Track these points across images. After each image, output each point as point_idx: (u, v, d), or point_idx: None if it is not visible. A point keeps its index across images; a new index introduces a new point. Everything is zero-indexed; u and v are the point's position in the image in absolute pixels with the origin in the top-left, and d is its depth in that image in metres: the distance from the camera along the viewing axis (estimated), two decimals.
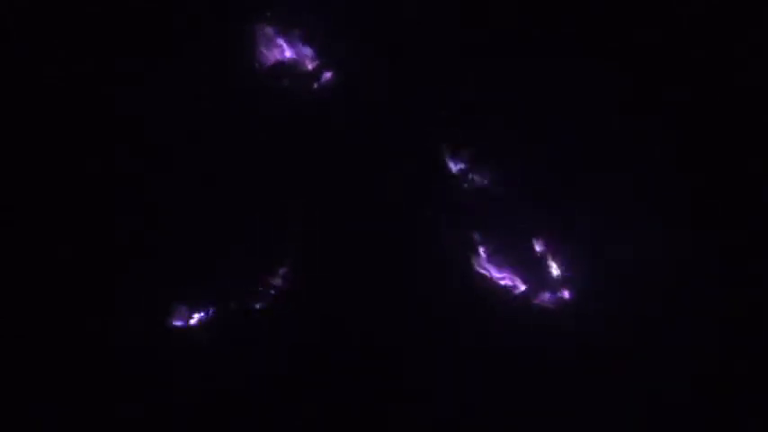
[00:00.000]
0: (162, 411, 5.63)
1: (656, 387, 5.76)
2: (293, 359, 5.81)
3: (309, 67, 6.64)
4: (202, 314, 6.00)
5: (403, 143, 6.37)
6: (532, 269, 6.18)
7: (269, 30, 6.63)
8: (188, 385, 5.73)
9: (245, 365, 5.80)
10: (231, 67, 6.50)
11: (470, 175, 6.37)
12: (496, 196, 6.32)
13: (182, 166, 6.23)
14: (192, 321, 5.98)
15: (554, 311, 6.11)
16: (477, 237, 6.23)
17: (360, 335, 5.87)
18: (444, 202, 6.29)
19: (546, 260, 6.20)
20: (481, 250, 6.21)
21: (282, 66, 6.62)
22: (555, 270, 6.17)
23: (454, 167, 6.38)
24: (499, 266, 6.19)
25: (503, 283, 6.17)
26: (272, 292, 6.07)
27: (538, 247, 6.22)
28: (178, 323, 5.97)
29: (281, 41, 6.65)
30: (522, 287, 6.16)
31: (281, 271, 6.12)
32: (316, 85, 6.59)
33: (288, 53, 6.66)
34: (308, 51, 6.66)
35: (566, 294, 6.12)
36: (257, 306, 6.02)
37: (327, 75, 6.60)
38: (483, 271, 6.18)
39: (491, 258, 6.19)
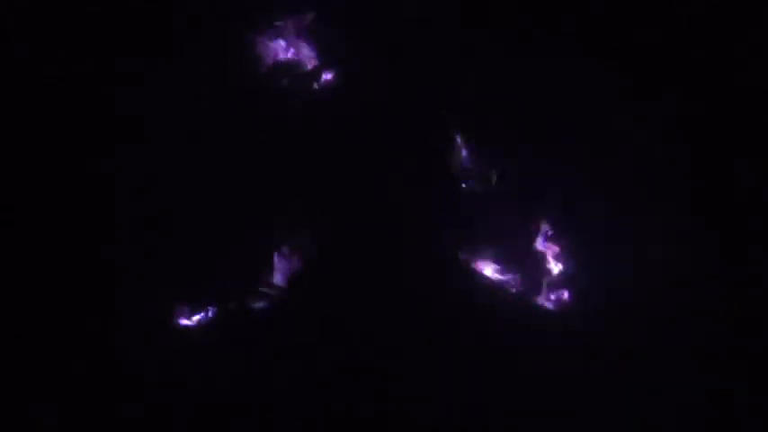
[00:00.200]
0: (162, 411, 5.62)
1: (657, 387, 5.75)
2: (293, 359, 5.79)
3: (309, 67, 6.65)
4: (202, 314, 5.99)
5: (403, 143, 6.37)
6: (533, 269, 6.18)
7: (269, 30, 6.63)
8: (188, 385, 5.72)
9: (246, 365, 5.79)
10: (231, 67, 6.50)
11: (470, 175, 6.37)
12: (497, 196, 6.32)
13: (182, 166, 6.22)
14: (192, 321, 5.97)
15: (554, 311, 6.11)
16: (477, 237, 6.23)
17: (360, 335, 5.86)
18: (444, 201, 6.29)
19: (546, 260, 6.20)
20: (481, 250, 6.21)
21: (282, 66, 6.62)
22: (555, 270, 6.17)
23: (454, 167, 6.38)
24: (499, 266, 6.18)
25: (503, 282, 6.17)
26: (273, 292, 6.06)
27: (538, 247, 6.22)
28: (178, 323, 5.96)
29: (281, 41, 6.65)
30: (522, 287, 6.16)
31: (281, 271, 6.11)
32: (316, 85, 6.59)
33: (288, 53, 6.67)
34: (308, 51, 6.66)
35: (566, 294, 6.12)
36: (257, 306, 6.01)
37: (327, 75, 6.60)
38: (483, 271, 6.17)
39: (491, 258, 6.19)
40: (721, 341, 5.84)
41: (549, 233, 6.22)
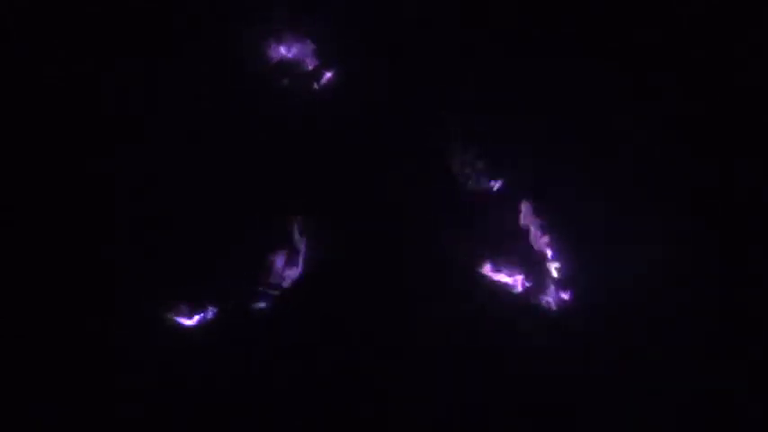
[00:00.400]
0: (162, 411, 5.61)
1: (657, 387, 5.74)
2: (293, 359, 5.79)
3: (309, 67, 6.65)
4: (202, 314, 5.99)
5: (403, 143, 6.37)
6: (533, 269, 6.18)
7: (269, 30, 6.64)
8: (188, 385, 5.71)
9: (246, 365, 5.78)
10: (231, 67, 6.51)
11: (471, 175, 6.37)
12: (497, 196, 6.32)
13: (182, 166, 6.22)
14: (192, 321, 5.97)
15: (554, 311, 6.10)
16: (477, 237, 6.22)
17: (360, 335, 5.86)
18: (444, 201, 6.29)
19: (546, 260, 6.20)
20: (481, 250, 6.21)
21: (282, 66, 6.62)
22: (555, 270, 6.17)
23: (454, 167, 6.38)
24: (499, 266, 6.18)
25: (503, 283, 6.16)
26: (273, 292, 6.06)
27: (538, 247, 6.22)
28: (178, 323, 5.96)
29: (281, 41, 6.65)
30: (523, 287, 6.15)
31: (281, 271, 6.11)
32: (316, 85, 6.60)
33: (288, 53, 6.67)
34: (308, 51, 6.67)
35: (566, 294, 6.11)
36: (257, 306, 6.01)
37: (327, 75, 6.60)
38: (483, 271, 6.17)
39: (491, 258, 6.19)
40: (721, 341, 5.83)
41: (549, 233, 6.21)
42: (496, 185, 6.36)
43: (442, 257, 6.15)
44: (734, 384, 5.73)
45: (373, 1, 6.58)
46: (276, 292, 6.06)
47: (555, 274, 6.17)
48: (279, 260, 6.13)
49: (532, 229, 6.25)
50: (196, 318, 5.98)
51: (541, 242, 6.21)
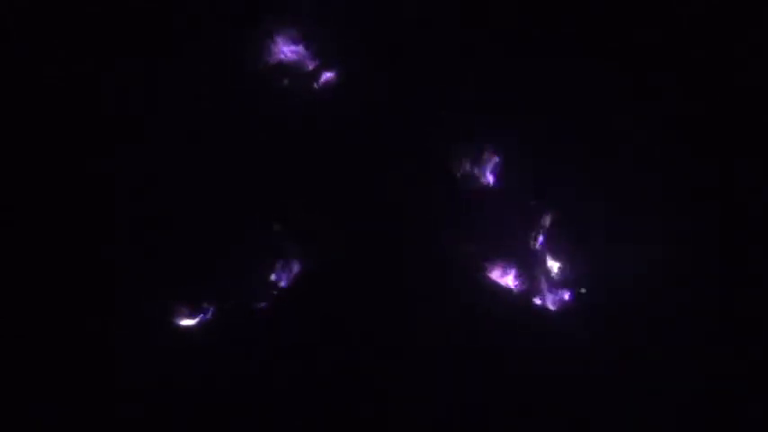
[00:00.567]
0: (162, 411, 5.62)
1: (657, 387, 5.74)
2: (293, 359, 5.79)
3: (309, 67, 6.64)
4: (202, 314, 5.99)
5: (403, 143, 6.37)
6: (533, 269, 6.18)
7: (269, 30, 6.63)
8: (188, 385, 5.72)
9: (246, 365, 5.79)
10: (231, 67, 6.51)
11: (471, 175, 6.37)
12: (497, 196, 6.32)
13: (182, 166, 6.23)
14: (192, 321, 5.97)
15: (554, 311, 6.11)
16: (477, 237, 6.22)
17: (360, 335, 5.86)
18: (444, 201, 6.28)
19: (546, 261, 6.20)
20: (481, 250, 6.21)
21: (282, 66, 6.62)
22: (555, 270, 6.17)
23: (454, 167, 6.38)
24: (499, 266, 6.18)
25: (503, 283, 6.17)
26: (273, 291, 6.07)
27: (538, 248, 6.22)
28: (178, 323, 5.96)
29: (280, 41, 6.65)
30: (523, 287, 6.15)
31: (282, 271, 6.11)
32: (316, 85, 6.59)
33: (288, 53, 6.66)
34: (308, 51, 6.66)
35: (566, 294, 6.12)
36: (257, 306, 6.01)
37: (327, 75, 6.60)
38: (483, 271, 6.17)
39: (491, 258, 6.19)
40: (721, 341, 5.83)
41: (549, 233, 6.21)
42: (496, 185, 6.36)
43: (441, 257, 6.15)
44: (734, 384, 5.73)
45: (373, 1, 6.57)
46: (276, 292, 6.06)
47: (555, 274, 6.17)
48: (279, 260, 6.13)
49: (532, 229, 6.25)
50: (196, 318, 5.98)
51: (541, 242, 6.21)
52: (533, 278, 6.16)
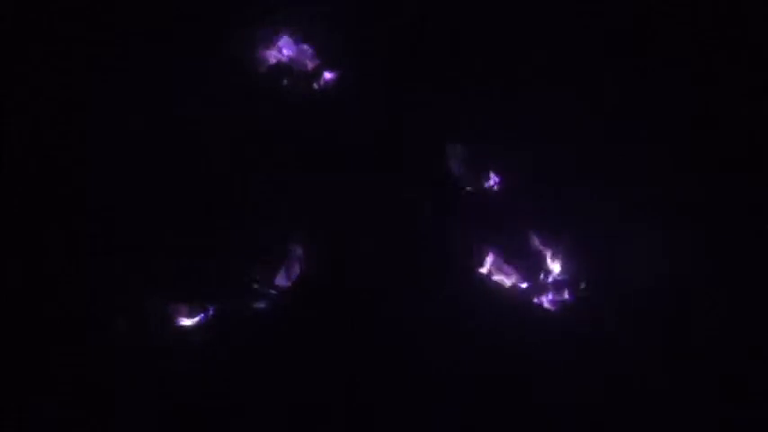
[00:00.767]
0: (162, 411, 5.61)
1: (657, 387, 5.75)
2: (293, 359, 5.79)
3: (309, 67, 6.64)
4: (202, 314, 5.99)
5: (403, 143, 6.37)
6: (533, 269, 6.18)
7: (268, 29, 6.64)
8: (188, 385, 5.71)
9: (245, 366, 5.78)
10: (231, 67, 6.50)
11: (471, 176, 6.38)
12: (497, 197, 6.33)
13: (181, 167, 6.23)
14: (192, 321, 5.97)
15: (554, 312, 6.11)
16: (477, 237, 6.22)
17: (359, 335, 5.86)
18: (445, 202, 6.29)
19: (546, 260, 6.20)
20: (482, 251, 6.21)
21: (282, 66, 6.62)
22: (555, 270, 6.17)
23: (455, 168, 6.38)
24: (499, 266, 6.18)
25: (503, 283, 6.17)
26: (273, 291, 6.06)
27: (539, 248, 6.22)
28: (177, 323, 5.96)
29: (280, 41, 6.65)
30: (523, 287, 6.16)
31: (282, 271, 6.11)
32: (316, 86, 6.59)
33: (288, 53, 6.66)
34: (308, 51, 6.66)
35: (566, 294, 6.12)
36: (257, 306, 6.01)
37: (327, 75, 6.60)
38: (483, 272, 6.17)
39: (492, 259, 6.19)
40: (721, 341, 5.84)
41: (549, 233, 6.22)
42: (496, 186, 6.36)
43: (441, 258, 6.14)
44: (734, 384, 5.73)
45: (373, 1, 6.58)
46: (276, 292, 6.06)
47: (555, 273, 6.17)
48: (278, 260, 6.12)
49: (532, 229, 6.25)
50: (196, 318, 5.97)
51: (542, 243, 6.21)
52: (533, 278, 6.16)
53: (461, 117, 6.44)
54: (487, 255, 6.18)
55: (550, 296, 6.13)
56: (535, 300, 6.13)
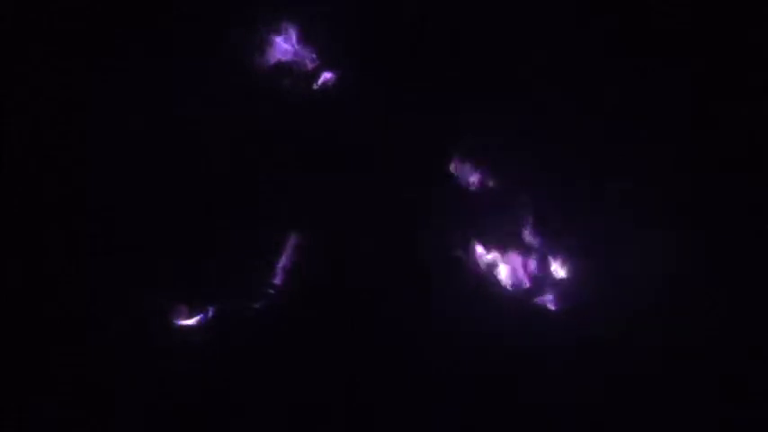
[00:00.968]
0: (162, 411, 5.61)
1: (657, 387, 5.75)
2: (293, 359, 5.79)
3: (309, 67, 6.64)
4: (202, 314, 5.98)
5: (403, 143, 6.37)
6: (534, 270, 6.18)
7: (268, 30, 6.63)
8: (188, 385, 5.71)
9: (245, 365, 5.78)
10: (231, 67, 6.50)
11: (472, 176, 6.37)
12: (498, 197, 6.32)
13: (181, 167, 6.22)
14: (192, 321, 5.96)
15: (554, 312, 6.11)
16: (477, 238, 6.22)
17: (359, 335, 5.86)
18: (445, 202, 6.28)
19: (546, 260, 6.20)
20: (482, 251, 6.21)
21: (282, 66, 6.61)
22: (555, 270, 6.17)
23: (455, 168, 6.38)
24: (499, 266, 6.18)
25: (502, 283, 6.17)
26: (273, 291, 6.06)
27: (539, 249, 6.22)
28: (177, 323, 5.95)
29: (280, 41, 6.65)
30: (522, 287, 6.15)
31: (282, 271, 6.10)
32: (316, 86, 6.59)
33: (288, 53, 6.66)
34: (308, 51, 6.66)
35: (566, 294, 6.11)
36: (257, 306, 6.01)
37: (327, 75, 6.60)
38: (484, 272, 6.17)
39: (492, 259, 6.19)
40: (721, 341, 5.84)
41: (549, 233, 6.22)
42: (497, 186, 6.36)
43: (441, 258, 6.14)
44: (734, 384, 5.73)
45: (373, 1, 6.57)
46: (276, 292, 6.06)
47: (555, 273, 6.17)
48: (278, 261, 6.12)
49: (532, 229, 6.25)
50: (195, 318, 5.97)
51: (543, 243, 6.21)
52: (533, 278, 6.16)
53: (461, 117, 6.43)
54: (487, 255, 6.18)
55: (550, 296, 6.13)
56: (535, 300, 6.13)
